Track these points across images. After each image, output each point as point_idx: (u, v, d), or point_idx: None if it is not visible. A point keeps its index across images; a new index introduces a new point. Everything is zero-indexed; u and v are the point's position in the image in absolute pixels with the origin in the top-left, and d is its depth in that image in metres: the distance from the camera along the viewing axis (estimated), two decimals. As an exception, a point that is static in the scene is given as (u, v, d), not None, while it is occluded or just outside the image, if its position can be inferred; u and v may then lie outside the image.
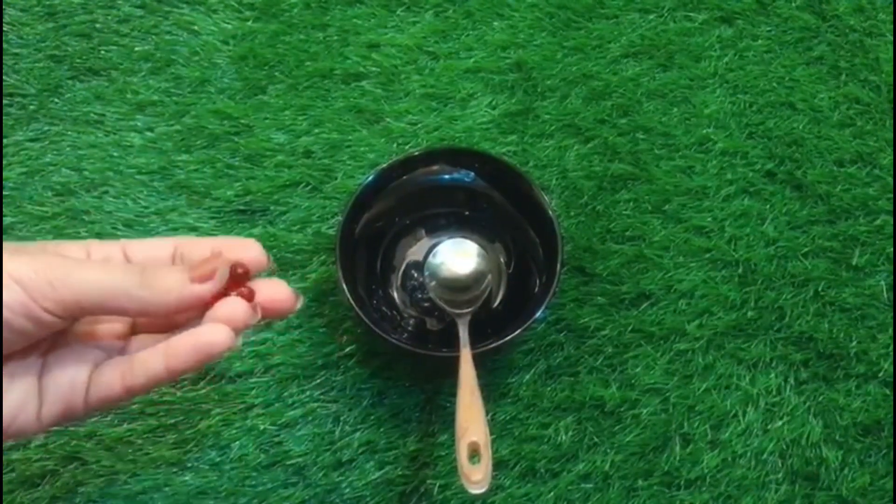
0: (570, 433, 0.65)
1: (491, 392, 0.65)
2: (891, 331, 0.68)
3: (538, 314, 0.61)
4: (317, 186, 0.71)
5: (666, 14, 0.78)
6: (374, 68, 0.75)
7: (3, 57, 0.74)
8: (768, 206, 0.72)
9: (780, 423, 0.65)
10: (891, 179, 0.73)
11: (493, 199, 0.69)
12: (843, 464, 0.64)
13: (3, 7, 0.76)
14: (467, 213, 0.70)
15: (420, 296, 0.68)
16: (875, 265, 0.70)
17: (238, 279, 0.42)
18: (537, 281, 0.65)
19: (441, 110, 0.74)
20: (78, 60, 0.75)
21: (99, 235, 0.69)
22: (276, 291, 0.44)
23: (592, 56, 0.77)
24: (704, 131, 0.74)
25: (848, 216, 0.72)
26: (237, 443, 0.64)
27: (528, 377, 0.66)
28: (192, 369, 0.41)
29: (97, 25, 0.76)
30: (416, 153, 0.68)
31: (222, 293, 0.42)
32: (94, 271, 0.39)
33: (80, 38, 0.76)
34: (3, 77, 0.73)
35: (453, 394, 0.59)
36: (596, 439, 0.65)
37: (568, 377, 0.66)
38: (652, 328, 0.68)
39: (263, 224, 0.70)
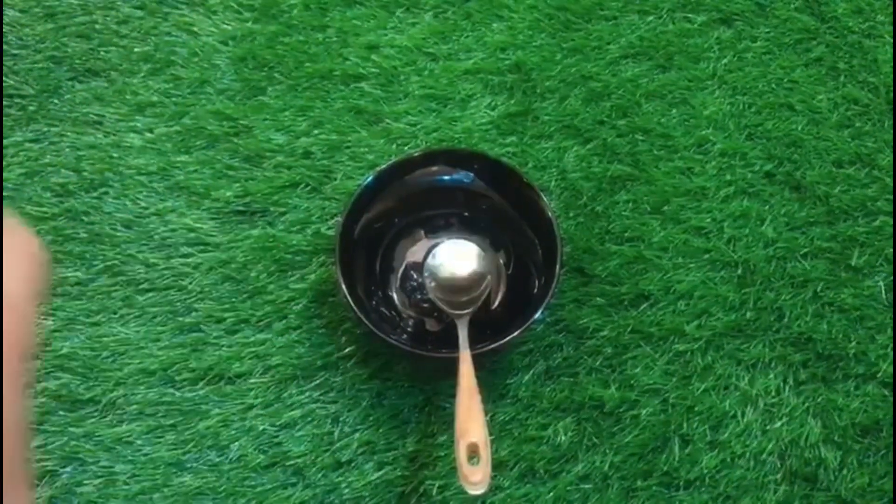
0: (569, 434, 0.65)
1: (490, 393, 0.65)
2: (889, 331, 0.68)
3: (537, 315, 0.61)
4: (316, 187, 0.71)
5: (665, 15, 0.79)
6: (373, 69, 0.75)
7: (3, 58, 0.74)
8: (767, 207, 0.72)
9: (778, 423, 0.65)
10: (889, 180, 0.73)
11: (493, 200, 0.69)
12: (842, 464, 0.64)
13: (3, 8, 0.76)
14: (466, 214, 0.70)
15: (419, 297, 0.68)
16: (874, 266, 0.70)
17: None
18: (536, 282, 0.65)
19: (440, 111, 0.74)
20: (77, 61, 0.75)
21: (98, 236, 0.69)
22: None
23: (591, 57, 0.77)
24: (703, 132, 0.74)
25: (847, 217, 0.72)
26: (236, 443, 0.64)
27: (527, 378, 0.66)
28: None
29: (97, 26, 0.76)
30: (416, 154, 0.68)
31: None
32: None
33: (80, 39, 0.76)
34: (3, 78, 0.73)
35: (452, 394, 0.59)
36: (595, 440, 0.65)
37: (567, 378, 0.66)
38: (651, 329, 0.68)
39: (263, 225, 0.70)
